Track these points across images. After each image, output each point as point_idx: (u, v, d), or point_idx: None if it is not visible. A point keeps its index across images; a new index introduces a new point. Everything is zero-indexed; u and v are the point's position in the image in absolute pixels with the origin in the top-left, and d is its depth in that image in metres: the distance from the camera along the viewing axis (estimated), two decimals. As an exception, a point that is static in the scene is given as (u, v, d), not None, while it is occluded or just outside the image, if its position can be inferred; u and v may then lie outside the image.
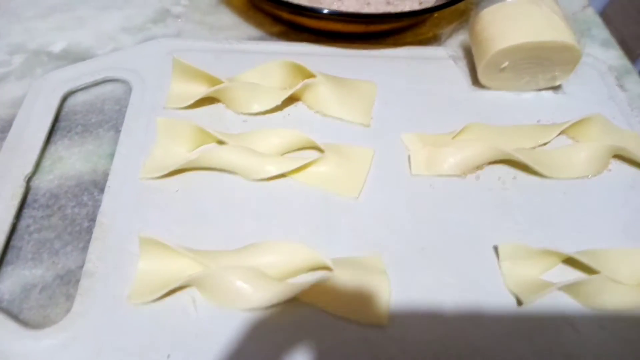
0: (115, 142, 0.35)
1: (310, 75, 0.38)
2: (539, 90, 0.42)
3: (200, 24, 0.45)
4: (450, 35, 0.46)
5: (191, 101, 0.37)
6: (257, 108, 0.37)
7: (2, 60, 0.41)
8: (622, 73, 0.45)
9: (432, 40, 0.46)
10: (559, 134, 0.37)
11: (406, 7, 0.47)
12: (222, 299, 0.28)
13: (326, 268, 0.29)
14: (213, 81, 0.37)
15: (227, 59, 0.41)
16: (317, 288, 0.28)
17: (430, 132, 0.37)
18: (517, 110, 0.40)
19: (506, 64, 0.39)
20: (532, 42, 0.37)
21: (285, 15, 0.44)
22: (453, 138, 0.36)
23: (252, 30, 0.45)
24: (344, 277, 0.29)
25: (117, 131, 0.36)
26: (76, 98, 0.38)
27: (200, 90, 0.37)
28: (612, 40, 0.48)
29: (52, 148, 0.35)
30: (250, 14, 0.47)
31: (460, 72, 0.42)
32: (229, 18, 0.46)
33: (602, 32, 0.49)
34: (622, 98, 0.42)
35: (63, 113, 0.37)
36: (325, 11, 0.40)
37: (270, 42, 0.44)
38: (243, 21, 0.46)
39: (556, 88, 0.42)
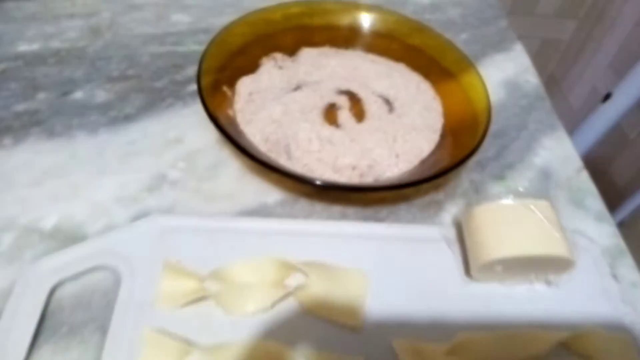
0: (101, 347, 0.34)
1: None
2: (532, 283, 0.41)
3: (195, 193, 0.45)
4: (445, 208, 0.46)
5: (179, 304, 0.37)
6: (246, 310, 0.37)
7: (-8, 239, 0.40)
8: (616, 255, 0.45)
9: (428, 207, 0.46)
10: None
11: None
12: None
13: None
14: (203, 281, 0.37)
15: (221, 239, 0.41)
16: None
17: (422, 336, 0.37)
18: (510, 305, 0.40)
19: (499, 267, 0.39)
20: (526, 255, 0.37)
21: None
22: (446, 354, 0.36)
23: (249, 200, 0.45)
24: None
25: (104, 332, 0.35)
26: (64, 290, 0.38)
27: (190, 289, 0.37)
28: (606, 214, 0.48)
29: (35, 356, 0.35)
30: (246, 180, 0.47)
31: (453, 260, 0.42)
32: (225, 186, 0.46)
33: (596, 202, 0.49)
34: (616, 291, 0.42)
35: (49, 310, 0.37)
36: (318, 182, 0.42)
37: (264, 219, 0.44)
38: (240, 189, 0.46)
39: (549, 281, 0.41)
